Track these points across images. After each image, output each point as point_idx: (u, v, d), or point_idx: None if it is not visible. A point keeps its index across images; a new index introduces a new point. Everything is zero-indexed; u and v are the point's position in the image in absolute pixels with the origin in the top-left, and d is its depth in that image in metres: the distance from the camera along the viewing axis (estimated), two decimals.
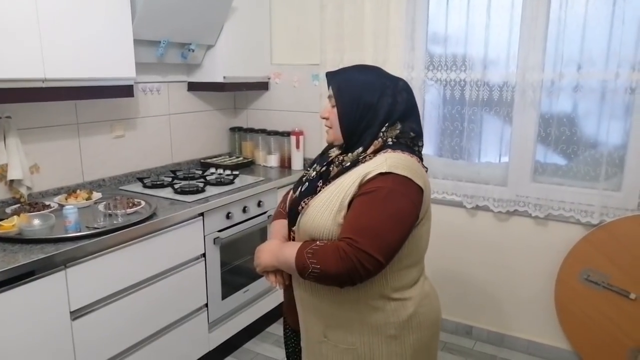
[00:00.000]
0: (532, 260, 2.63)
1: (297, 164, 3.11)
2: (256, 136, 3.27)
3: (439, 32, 2.73)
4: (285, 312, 1.57)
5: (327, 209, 1.30)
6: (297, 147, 3.09)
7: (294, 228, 1.40)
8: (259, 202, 2.70)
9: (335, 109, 1.37)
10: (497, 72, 2.57)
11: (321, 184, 1.36)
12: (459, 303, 2.88)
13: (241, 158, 3.25)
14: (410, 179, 1.26)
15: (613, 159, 2.37)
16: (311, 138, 3.12)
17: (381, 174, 1.25)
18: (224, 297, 2.54)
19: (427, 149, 2.90)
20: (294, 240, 1.42)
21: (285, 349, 1.65)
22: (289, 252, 1.31)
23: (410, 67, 2.74)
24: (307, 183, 1.41)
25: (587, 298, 2.46)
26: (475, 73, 2.59)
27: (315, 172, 1.41)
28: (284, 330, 1.66)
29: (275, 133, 3.19)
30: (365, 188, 1.26)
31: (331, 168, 1.37)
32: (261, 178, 2.84)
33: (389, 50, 2.73)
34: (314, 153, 3.07)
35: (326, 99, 1.44)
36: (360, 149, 1.35)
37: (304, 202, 1.37)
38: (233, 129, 3.37)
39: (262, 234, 2.80)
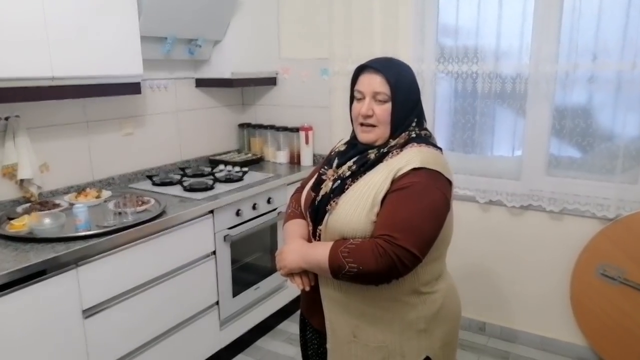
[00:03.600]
0: (547, 255, 2.59)
1: (307, 159, 3.09)
2: (265, 132, 3.25)
3: (450, 23, 2.68)
4: (307, 313, 1.53)
5: (358, 207, 1.28)
6: (307, 142, 3.07)
7: (319, 227, 1.37)
8: (269, 198, 2.68)
9: (383, 106, 1.33)
10: (509, 63, 2.52)
11: (349, 182, 1.34)
12: (472, 299, 2.84)
13: (250, 154, 3.23)
14: (441, 173, 1.28)
15: (630, 151, 2.32)
16: (320, 133, 3.09)
17: (414, 169, 1.26)
18: (234, 294, 2.52)
19: (439, 143, 2.84)
20: (319, 239, 1.38)
21: (305, 350, 1.61)
22: (320, 252, 1.28)
23: (420, 59, 2.70)
24: (339, 181, 1.36)
25: (603, 293, 2.41)
26: (487, 65, 2.55)
27: (350, 172, 1.35)
28: (302, 331, 1.61)
29: (284, 129, 3.17)
30: (398, 184, 1.25)
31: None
32: (270, 174, 2.82)
33: (398, 43, 2.69)
34: (323, 148, 3.09)
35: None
36: (391, 142, 1.34)
37: (333, 201, 1.33)
38: (242, 125, 3.35)
39: (272, 231, 2.78)
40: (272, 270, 2.81)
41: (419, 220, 1.22)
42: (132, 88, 2.30)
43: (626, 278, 2.35)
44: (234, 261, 2.50)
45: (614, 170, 2.33)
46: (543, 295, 2.64)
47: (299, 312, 3.08)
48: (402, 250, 1.19)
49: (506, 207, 2.63)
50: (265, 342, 2.76)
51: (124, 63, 2.19)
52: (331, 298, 1.38)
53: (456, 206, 2.67)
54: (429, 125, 2.76)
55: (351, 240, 1.26)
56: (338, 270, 1.23)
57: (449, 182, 1.31)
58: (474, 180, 2.69)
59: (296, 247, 1.37)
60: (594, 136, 2.41)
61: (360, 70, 1.39)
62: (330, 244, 1.28)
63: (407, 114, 1.36)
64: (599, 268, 2.41)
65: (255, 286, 2.67)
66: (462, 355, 2.64)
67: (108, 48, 2.11)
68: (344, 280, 1.27)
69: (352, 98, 1.42)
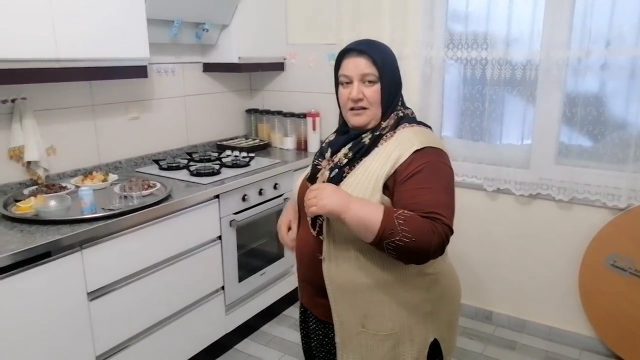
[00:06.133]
0: (555, 244, 2.56)
1: (314, 146, 3.07)
2: (272, 118, 3.23)
3: (460, 9, 2.64)
4: (309, 304, 1.51)
5: (359, 193, 1.27)
6: (314, 128, 3.05)
7: (320, 218, 1.35)
8: (275, 184, 2.67)
9: (373, 87, 1.32)
10: (520, 50, 2.47)
11: (347, 170, 1.32)
12: (478, 288, 2.83)
13: (257, 140, 3.22)
14: (442, 150, 1.30)
15: None
16: (328, 120, 3.06)
17: (417, 150, 1.26)
18: (240, 279, 2.53)
19: (447, 131, 2.83)
20: (320, 232, 1.35)
21: (307, 342, 1.60)
22: (372, 210, 1.18)
23: (429, 45, 2.66)
24: (336, 169, 1.34)
25: (612, 284, 2.38)
26: (497, 51, 2.50)
27: (347, 159, 1.33)
28: (303, 322, 1.60)
29: (292, 115, 3.15)
30: (410, 169, 1.24)
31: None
32: (277, 160, 2.81)
33: (407, 29, 2.65)
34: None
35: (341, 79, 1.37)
36: (382, 124, 1.33)
37: None
38: (249, 111, 3.33)
39: (278, 217, 2.76)
40: (278, 256, 2.81)
41: (445, 196, 1.24)
42: (139, 71, 2.29)
43: (637, 269, 2.31)
44: (239, 246, 2.50)
45: (626, 159, 2.29)
46: (551, 285, 2.61)
47: None
48: (447, 227, 1.19)
49: (514, 195, 2.60)
50: (270, 328, 2.77)
51: (130, 46, 2.18)
52: (338, 288, 1.35)
53: (463, 194, 2.70)
54: (437, 112, 2.76)
55: (404, 210, 1.19)
56: (387, 236, 1.15)
57: (447, 155, 1.34)
58: (482, 168, 2.66)
59: (342, 192, 1.24)
60: (605, 124, 2.37)
61: (343, 55, 1.36)
62: (380, 206, 1.20)
63: (395, 93, 1.36)
64: (608, 258, 2.38)
65: (261, 272, 2.67)
66: (468, 344, 2.63)
67: (113, 30, 2.09)
68: (383, 250, 1.18)
69: (337, 84, 1.39)
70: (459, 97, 2.73)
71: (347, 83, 1.34)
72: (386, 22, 2.69)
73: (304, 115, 3.08)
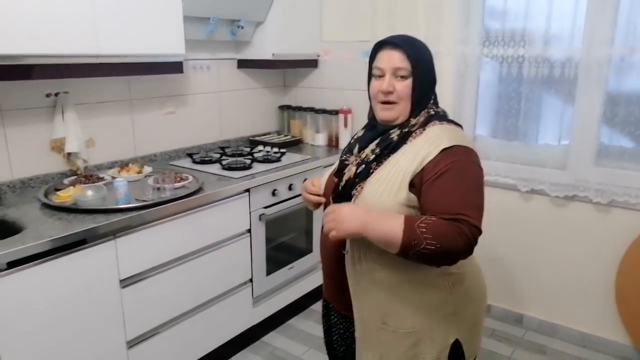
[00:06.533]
0: (592, 248, 2.47)
1: (345, 142, 3.03)
2: (304, 114, 3.25)
3: (497, 5, 2.58)
4: (332, 299, 1.52)
5: (385, 190, 1.27)
6: (345, 125, 3.05)
7: None
8: (305, 180, 2.68)
9: (404, 82, 1.31)
10: (559, 47, 2.40)
11: (374, 166, 1.32)
12: (509, 289, 2.77)
13: (289, 136, 3.25)
14: (471, 148, 1.28)
15: None
16: (359, 117, 3.06)
17: (445, 149, 1.24)
18: (268, 273, 2.56)
19: (481, 129, 2.77)
20: None
21: (329, 335, 1.61)
22: (393, 223, 1.17)
23: (464, 42, 2.61)
24: (363, 165, 1.33)
25: None
26: (535, 48, 2.44)
27: (374, 155, 1.33)
28: (325, 316, 1.61)
29: (324, 111, 3.16)
30: (438, 168, 1.22)
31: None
32: (308, 156, 2.83)
33: (442, 26, 2.61)
34: None
35: (375, 71, 1.36)
36: (412, 121, 1.32)
37: (359, 185, 1.32)
38: (282, 107, 3.36)
39: (307, 212, 2.80)
40: (306, 250, 2.83)
41: (473, 196, 1.22)
42: (175, 67, 2.35)
43: None
44: (268, 240, 2.54)
45: None
46: (586, 290, 2.53)
47: None
48: (474, 228, 1.17)
49: (549, 197, 2.53)
50: (297, 321, 2.80)
51: (167, 42, 2.24)
52: (359, 284, 1.35)
53: (496, 194, 2.65)
54: (471, 111, 2.72)
55: (423, 217, 1.18)
56: (412, 247, 1.14)
57: (477, 154, 1.31)
58: (516, 168, 2.60)
59: (358, 211, 1.22)
60: None
61: (378, 47, 1.35)
62: (401, 216, 1.18)
63: (427, 91, 1.34)
64: None
65: (289, 266, 2.70)
66: (497, 347, 2.58)
67: (151, 27, 2.16)
68: (410, 259, 1.18)
69: (370, 77, 1.39)
70: (493, 95, 2.67)
71: (380, 76, 1.34)
72: (421, 19, 2.66)
73: (335, 112, 3.09)
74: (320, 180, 1.52)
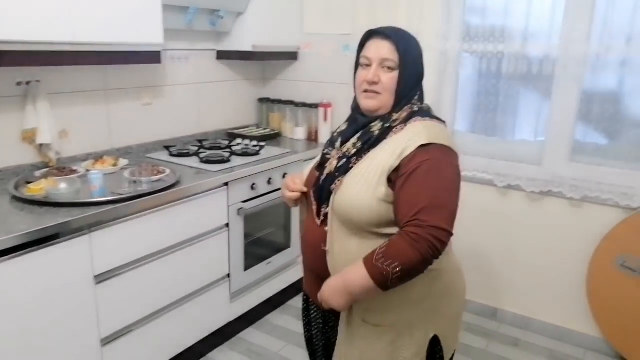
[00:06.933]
0: (565, 243, 2.53)
1: (325, 136, 3.06)
2: (284, 107, 3.22)
3: (477, 1, 2.59)
4: (311, 292, 1.51)
5: (364, 185, 1.26)
6: (325, 119, 3.03)
7: (324, 206, 1.35)
8: (284, 174, 2.67)
9: (390, 74, 1.30)
10: (537, 44, 2.43)
11: (354, 160, 1.31)
12: (485, 284, 2.81)
13: (268, 130, 3.21)
14: (449, 148, 1.26)
15: None
16: (340, 110, 3.05)
17: (422, 146, 1.23)
18: (246, 268, 2.54)
19: (460, 125, 2.79)
20: (324, 219, 1.35)
21: (309, 329, 1.60)
22: (358, 275, 1.20)
23: (445, 38, 2.62)
24: (344, 159, 1.33)
25: (621, 285, 2.35)
26: (514, 45, 2.47)
27: (355, 149, 1.32)
28: (305, 310, 1.61)
29: (303, 105, 3.14)
30: (410, 165, 1.22)
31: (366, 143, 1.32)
32: (287, 150, 2.81)
33: (423, 21, 2.61)
34: None
35: (359, 61, 1.35)
36: (394, 115, 1.31)
37: (338, 180, 1.31)
38: (261, 100, 3.33)
39: (286, 207, 2.78)
40: (285, 245, 2.82)
41: (440, 196, 1.20)
42: (153, 57, 2.29)
43: None
44: (246, 235, 2.51)
45: None
46: (559, 284, 2.59)
47: None
48: (434, 229, 1.16)
49: (525, 192, 2.57)
50: (274, 317, 2.79)
51: (145, 31, 2.18)
52: None
53: (473, 189, 2.67)
54: (451, 106, 2.73)
55: (378, 247, 1.21)
56: (385, 280, 1.17)
57: (457, 155, 1.29)
58: (493, 163, 2.63)
59: (335, 283, 1.27)
60: (622, 122, 2.33)
61: (368, 36, 1.34)
62: (360, 262, 1.21)
63: (413, 86, 1.33)
64: (619, 258, 2.34)
65: (267, 261, 2.68)
66: (472, 340, 2.62)
67: (129, 15, 2.10)
68: (394, 287, 1.20)
69: (357, 65, 1.38)
70: (473, 91, 2.70)
71: (367, 65, 1.33)
72: (403, 13, 2.65)
73: (315, 106, 3.07)
74: (302, 177, 1.50)
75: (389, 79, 1.30)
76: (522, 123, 2.61)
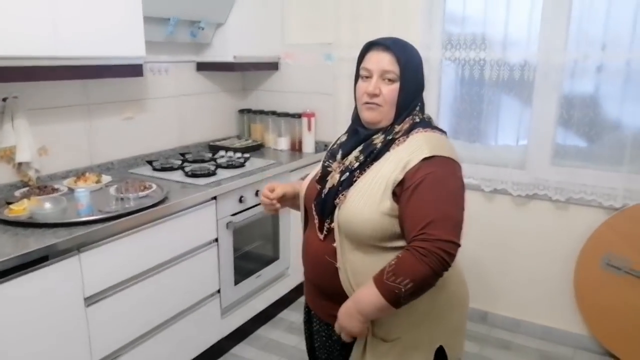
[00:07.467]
0: (551, 244, 2.58)
1: (309, 146, 3.04)
2: (266, 118, 3.19)
3: (457, 11, 2.64)
4: (313, 305, 1.49)
5: (369, 199, 1.24)
6: (309, 129, 3.02)
7: (327, 221, 1.33)
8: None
9: (391, 85, 1.29)
10: (517, 52, 2.49)
11: (357, 174, 1.30)
12: (474, 288, 2.77)
13: (250, 141, 3.18)
14: (452, 159, 1.26)
15: (638, 141, 2.30)
16: (323, 120, 3.04)
17: (426, 158, 1.22)
18: (236, 282, 2.49)
19: None
20: (327, 234, 1.33)
21: (311, 342, 1.57)
22: (369, 295, 1.19)
23: (427, 47, 2.65)
24: (347, 173, 1.31)
25: (607, 284, 2.41)
26: (495, 53, 2.52)
27: (358, 163, 1.31)
28: (307, 323, 1.58)
29: (286, 115, 3.11)
30: (415, 178, 1.21)
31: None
32: (272, 161, 2.78)
33: (405, 30, 2.63)
34: (325, 136, 3.04)
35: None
36: (396, 127, 1.30)
37: (342, 194, 1.29)
38: (242, 111, 3.29)
39: (274, 219, 2.75)
40: (273, 258, 2.77)
41: (446, 209, 1.19)
42: (134, 70, 2.23)
43: (631, 268, 2.35)
44: (235, 249, 2.46)
45: (622, 160, 2.32)
46: (547, 285, 2.64)
47: (299, 300, 3.06)
48: (441, 242, 1.16)
49: (511, 196, 2.61)
50: (266, 331, 2.74)
51: (127, 44, 2.12)
52: (344, 296, 1.32)
53: None
54: (433, 113, 2.76)
55: (387, 265, 1.19)
56: (397, 297, 1.16)
57: (460, 166, 1.29)
58: (479, 169, 2.67)
59: (347, 312, 1.24)
60: (601, 126, 2.40)
61: (368, 48, 1.33)
62: (370, 282, 1.20)
63: (413, 97, 1.32)
64: (604, 258, 2.41)
65: (256, 274, 2.63)
66: (465, 346, 2.62)
67: (111, 28, 2.04)
68: (407, 303, 1.19)
69: (357, 77, 1.37)
70: (455, 98, 2.74)
71: (367, 77, 1.32)
72: (384, 23, 2.68)
73: (298, 116, 3.05)
74: (282, 186, 1.50)
75: (390, 91, 1.29)
76: (504, 128, 2.66)
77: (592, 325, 2.52)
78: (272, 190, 1.48)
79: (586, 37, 2.33)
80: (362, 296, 1.21)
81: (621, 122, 2.36)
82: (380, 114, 1.31)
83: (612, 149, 2.37)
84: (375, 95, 1.30)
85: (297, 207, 1.54)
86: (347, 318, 1.24)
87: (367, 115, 1.33)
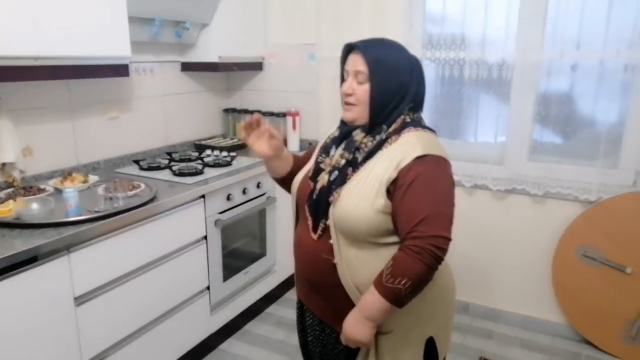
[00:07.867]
0: (530, 237, 2.67)
1: (294, 145, 3.08)
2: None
3: (437, 11, 2.71)
4: (306, 300, 1.52)
5: (363, 197, 1.28)
6: (294, 128, 3.05)
7: (322, 220, 1.36)
8: (258, 183, 2.67)
9: (363, 86, 1.32)
10: (495, 51, 2.56)
11: (350, 172, 1.33)
12: (456, 280, 2.89)
13: (235, 139, 3.20)
14: (443, 158, 1.30)
15: (611, 136, 2.40)
16: (307, 119, 3.08)
17: (418, 157, 1.25)
18: (225, 279, 2.52)
19: None
20: (323, 231, 1.36)
21: (304, 336, 1.61)
22: (372, 298, 1.24)
23: (407, 47, 2.65)
24: (336, 172, 1.35)
25: (583, 273, 2.51)
26: (474, 52, 2.59)
27: (344, 160, 1.34)
28: (300, 317, 1.61)
29: (271, 114, 3.14)
30: (407, 177, 1.24)
31: (358, 153, 1.34)
32: (258, 159, 2.79)
33: (387, 30, 2.69)
34: (310, 134, 3.08)
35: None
36: (385, 127, 1.33)
37: (335, 192, 1.33)
38: (227, 110, 3.31)
39: (261, 216, 2.78)
40: (260, 254, 2.81)
41: (437, 207, 1.23)
42: (120, 70, 2.23)
43: (606, 259, 2.44)
44: (224, 246, 2.49)
45: (596, 155, 2.41)
46: (526, 276, 2.72)
47: (286, 296, 3.09)
48: (433, 238, 1.20)
49: (491, 191, 2.69)
50: (254, 326, 2.77)
51: (112, 44, 2.13)
52: (349, 289, 1.35)
53: None
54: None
55: (384, 268, 1.23)
56: (399, 298, 1.21)
57: (449, 163, 1.33)
58: (460, 165, 2.73)
59: (352, 320, 1.29)
60: (577, 122, 2.49)
61: (348, 50, 1.38)
62: (372, 288, 1.24)
63: (389, 96, 1.32)
64: (580, 249, 2.50)
65: (244, 270, 2.67)
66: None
67: (95, 27, 2.04)
68: (409, 301, 1.24)
69: (342, 77, 1.41)
70: (436, 96, 2.80)
71: (347, 78, 1.37)
72: (365, 23, 2.72)
73: (283, 115, 3.09)
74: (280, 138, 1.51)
75: (362, 91, 1.33)
76: (483, 126, 2.74)
77: (570, 314, 2.62)
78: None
79: (562, 37, 2.42)
80: (366, 302, 1.26)
81: (595, 119, 2.46)
82: (355, 113, 1.36)
83: (586, 144, 2.47)
84: (348, 95, 1.35)
85: (274, 171, 1.56)
86: (356, 326, 1.28)
87: (344, 114, 1.39)
